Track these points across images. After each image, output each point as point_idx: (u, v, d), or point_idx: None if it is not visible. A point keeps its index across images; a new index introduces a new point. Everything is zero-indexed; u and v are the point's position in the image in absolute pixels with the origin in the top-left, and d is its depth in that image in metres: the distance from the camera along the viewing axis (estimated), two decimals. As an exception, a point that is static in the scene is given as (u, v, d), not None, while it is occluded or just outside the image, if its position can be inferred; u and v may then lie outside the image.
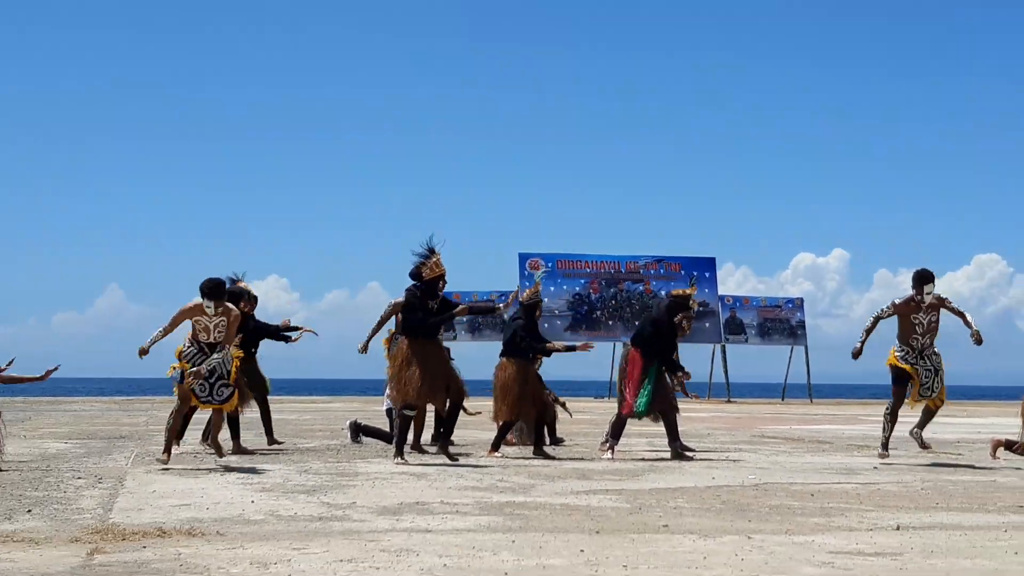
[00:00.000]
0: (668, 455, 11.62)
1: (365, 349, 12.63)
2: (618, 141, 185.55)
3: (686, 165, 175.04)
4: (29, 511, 7.11)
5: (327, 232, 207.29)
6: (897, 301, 11.14)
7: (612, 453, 11.52)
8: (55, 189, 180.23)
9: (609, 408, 13.86)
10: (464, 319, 34.07)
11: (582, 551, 5.71)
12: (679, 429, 11.75)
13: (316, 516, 6.96)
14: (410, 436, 11.26)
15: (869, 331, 11.21)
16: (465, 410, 11.35)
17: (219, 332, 10.25)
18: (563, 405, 13.38)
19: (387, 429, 12.84)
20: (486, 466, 10.53)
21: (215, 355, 10.18)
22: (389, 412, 12.88)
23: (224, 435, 11.16)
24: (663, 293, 35.52)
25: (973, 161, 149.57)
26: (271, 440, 12.66)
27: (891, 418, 11.22)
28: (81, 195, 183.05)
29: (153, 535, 6.13)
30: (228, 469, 10.03)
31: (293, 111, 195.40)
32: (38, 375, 10.41)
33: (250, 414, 13.09)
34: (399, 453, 10.64)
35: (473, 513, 7.17)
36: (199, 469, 10.01)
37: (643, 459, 11.55)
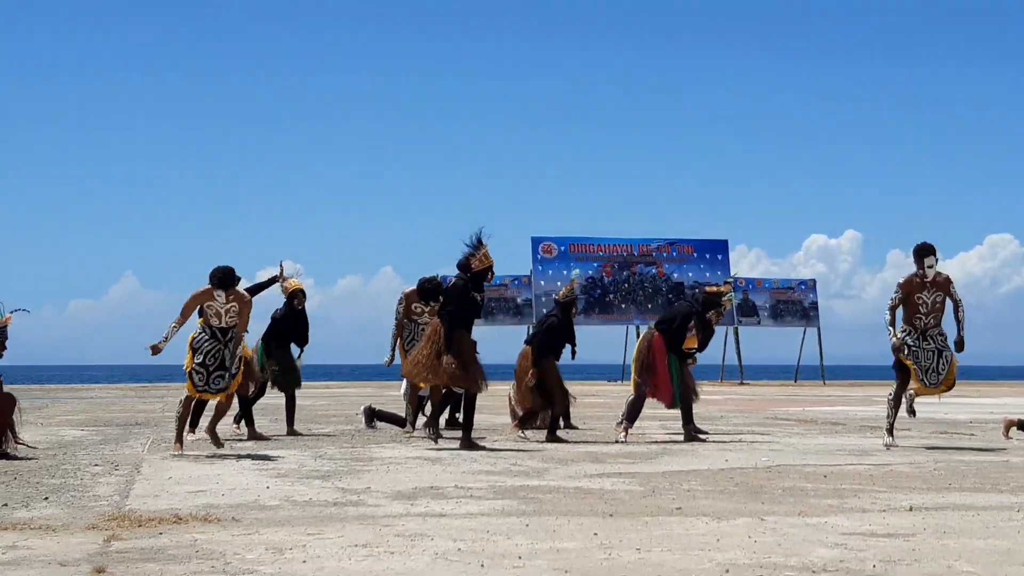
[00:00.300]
0: (681, 438, 11.64)
1: (391, 360, 12.69)
2: (630, 124, 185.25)
3: (698, 147, 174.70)
4: (46, 498, 7.15)
5: (340, 218, 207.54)
6: (901, 280, 10.90)
7: (626, 436, 11.54)
8: (71, 178, 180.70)
9: (622, 391, 13.88)
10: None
11: (596, 534, 5.73)
12: (693, 412, 11.81)
13: (331, 501, 6.99)
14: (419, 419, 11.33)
15: (891, 322, 10.91)
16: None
17: (231, 317, 10.21)
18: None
19: (402, 415, 12.87)
20: (499, 450, 10.55)
21: (227, 351, 10.12)
22: (406, 395, 12.94)
23: (225, 424, 11.20)
24: (675, 276, 35.57)
25: (986, 141, 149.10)
26: (291, 430, 12.66)
27: (894, 403, 10.98)
28: (97, 184, 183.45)
29: (169, 521, 6.16)
30: (243, 455, 10.07)
31: (306, 99, 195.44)
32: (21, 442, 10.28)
33: (268, 400, 13.15)
34: (435, 431, 10.87)
35: (487, 497, 7.19)
36: (214, 455, 10.04)
37: (656, 442, 11.56)
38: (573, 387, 12.91)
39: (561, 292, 12.33)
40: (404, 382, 12.76)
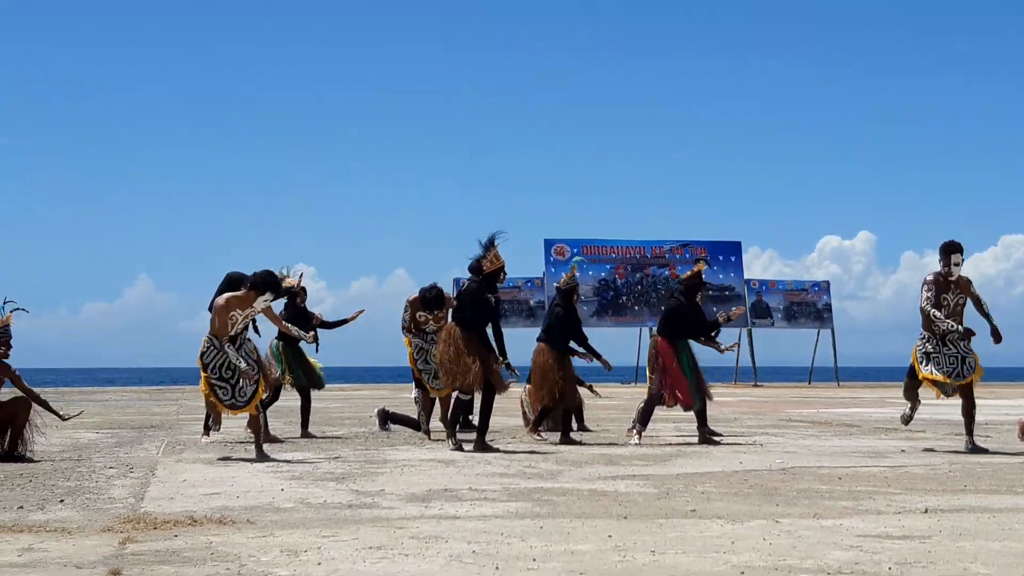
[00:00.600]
0: (695, 440, 11.64)
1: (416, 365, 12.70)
2: (643, 126, 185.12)
3: (711, 149, 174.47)
4: (61, 501, 7.17)
5: (354, 221, 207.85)
6: (928, 278, 10.54)
7: (639, 438, 11.54)
8: (85, 181, 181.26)
9: (636, 393, 13.85)
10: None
11: (610, 537, 5.73)
12: (707, 414, 11.81)
13: (345, 503, 7.00)
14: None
15: (941, 318, 10.41)
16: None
17: (243, 325, 10.05)
18: (590, 388, 13.42)
19: (415, 417, 12.89)
20: (514, 452, 10.56)
21: (239, 356, 9.86)
22: (417, 400, 12.96)
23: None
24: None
25: (1000, 142, 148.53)
26: (305, 433, 12.68)
27: (911, 395, 10.92)
28: (111, 186, 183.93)
29: (184, 524, 6.18)
30: (258, 458, 10.08)
31: (321, 102, 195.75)
32: (59, 413, 10.30)
33: (284, 402, 13.18)
34: (453, 438, 10.78)
35: (501, 499, 7.20)
36: (229, 458, 10.07)
37: (670, 444, 11.56)
38: (586, 389, 12.86)
39: (562, 280, 12.35)
40: (414, 385, 12.81)
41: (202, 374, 9.94)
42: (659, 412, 12.12)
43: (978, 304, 10.65)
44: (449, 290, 12.69)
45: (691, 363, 11.63)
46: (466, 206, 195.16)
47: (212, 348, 9.95)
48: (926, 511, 6.68)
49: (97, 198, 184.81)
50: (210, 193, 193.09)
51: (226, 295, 10.03)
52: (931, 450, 10.81)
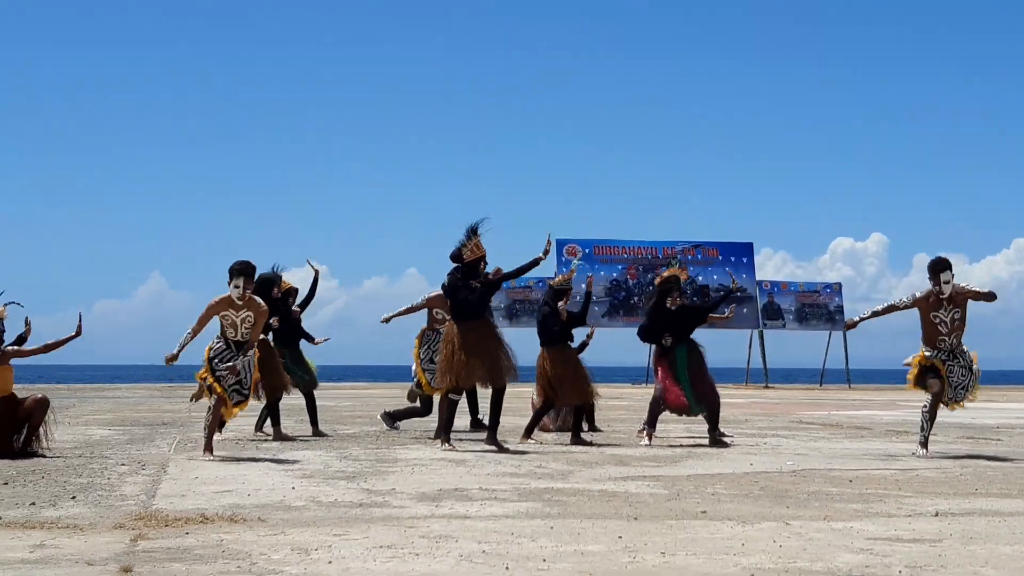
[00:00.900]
0: (706, 441, 11.62)
1: (388, 320, 12.73)
2: (657, 126, 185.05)
3: (724, 150, 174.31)
4: (73, 498, 7.20)
5: (366, 220, 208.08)
6: (917, 294, 10.37)
7: (649, 440, 11.54)
8: (98, 178, 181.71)
9: (645, 394, 13.85)
10: (503, 304, 34.12)
11: (620, 537, 5.73)
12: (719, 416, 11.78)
13: (356, 502, 7.02)
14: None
15: (878, 314, 10.51)
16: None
17: (246, 329, 9.99)
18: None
19: (416, 405, 13.12)
20: (524, 452, 10.56)
21: (242, 358, 9.90)
22: (411, 395, 13.10)
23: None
24: (700, 279, 35.50)
25: (1014, 145, 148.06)
26: (316, 431, 12.69)
27: (930, 415, 10.51)
28: (124, 184, 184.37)
29: (196, 521, 6.19)
30: (269, 456, 10.10)
31: (333, 100, 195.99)
32: (71, 334, 10.36)
33: (292, 401, 13.20)
34: (446, 439, 10.73)
35: (511, 499, 7.20)
36: (240, 456, 10.09)
37: (681, 445, 11.55)
38: (597, 389, 12.86)
39: (558, 279, 12.32)
40: (413, 382, 12.89)
41: (204, 364, 10.00)
42: (671, 414, 12.08)
43: (979, 296, 10.42)
44: None
45: (691, 368, 11.54)
46: (478, 206, 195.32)
47: (221, 345, 10.01)
48: (937, 514, 6.67)
49: (110, 196, 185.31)
50: (223, 192, 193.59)
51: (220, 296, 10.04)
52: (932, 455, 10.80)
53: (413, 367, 12.73)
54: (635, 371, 45.20)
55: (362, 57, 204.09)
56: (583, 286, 12.82)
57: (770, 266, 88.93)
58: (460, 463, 9.51)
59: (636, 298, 35.37)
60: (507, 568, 4.94)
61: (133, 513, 6.50)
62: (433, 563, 5.06)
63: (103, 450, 10.57)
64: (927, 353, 10.49)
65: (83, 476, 8.41)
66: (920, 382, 10.57)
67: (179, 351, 9.92)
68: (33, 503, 6.91)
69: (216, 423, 10.18)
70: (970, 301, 10.46)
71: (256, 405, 11.87)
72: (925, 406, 10.58)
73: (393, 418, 13.38)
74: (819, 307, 36.91)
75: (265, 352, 11.52)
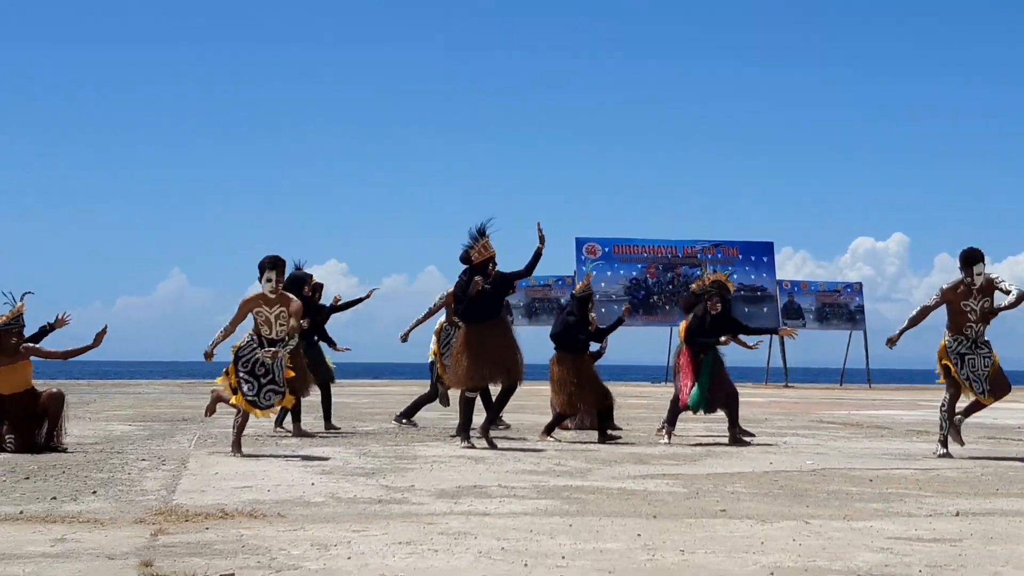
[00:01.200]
0: (726, 440, 11.61)
1: (406, 338, 12.76)
2: (675, 124, 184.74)
3: (744, 148, 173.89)
4: (94, 492, 7.23)
5: (385, 217, 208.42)
6: (945, 287, 10.33)
7: (669, 438, 11.53)
8: (119, 175, 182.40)
9: (666, 393, 13.84)
10: (522, 303, 34.12)
11: (639, 535, 5.73)
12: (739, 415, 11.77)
13: (375, 499, 7.03)
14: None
15: (915, 321, 10.40)
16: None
17: (280, 325, 9.97)
18: None
19: (421, 400, 13.29)
20: (543, 450, 10.56)
21: (271, 355, 9.80)
22: (442, 398, 13.13)
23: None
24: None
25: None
26: (328, 425, 12.79)
27: (948, 413, 10.43)
28: (145, 181, 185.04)
29: (215, 517, 6.22)
30: (289, 452, 10.13)
31: (353, 99, 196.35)
32: (90, 343, 10.38)
33: (311, 398, 13.22)
34: (465, 437, 10.73)
35: (531, 497, 7.20)
36: (260, 452, 10.12)
37: (700, 444, 11.53)
38: (616, 388, 12.84)
39: (578, 287, 12.29)
40: (432, 378, 12.96)
41: (230, 364, 9.98)
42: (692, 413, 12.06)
43: (1006, 295, 10.28)
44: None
45: (713, 373, 11.55)
46: (498, 204, 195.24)
47: (251, 343, 9.97)
48: (957, 514, 6.65)
49: (132, 194, 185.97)
50: (244, 189, 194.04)
51: (251, 292, 10.06)
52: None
53: (432, 362, 12.75)
54: (654, 370, 45.15)
55: (384, 56, 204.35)
56: (602, 284, 12.78)
57: (790, 265, 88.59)
58: (479, 460, 9.51)
59: (655, 297, 35.33)
60: (526, 565, 4.95)
61: (153, 508, 6.53)
62: (452, 559, 5.07)
63: (124, 445, 10.62)
64: (948, 342, 10.38)
65: (104, 471, 8.45)
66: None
67: (213, 347, 9.94)
68: (54, 497, 6.95)
69: (245, 422, 10.16)
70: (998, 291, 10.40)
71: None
72: (943, 405, 10.50)
73: (406, 416, 13.40)
74: (839, 307, 36.79)
75: (290, 352, 11.56)
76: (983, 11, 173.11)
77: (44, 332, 10.63)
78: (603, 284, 34.71)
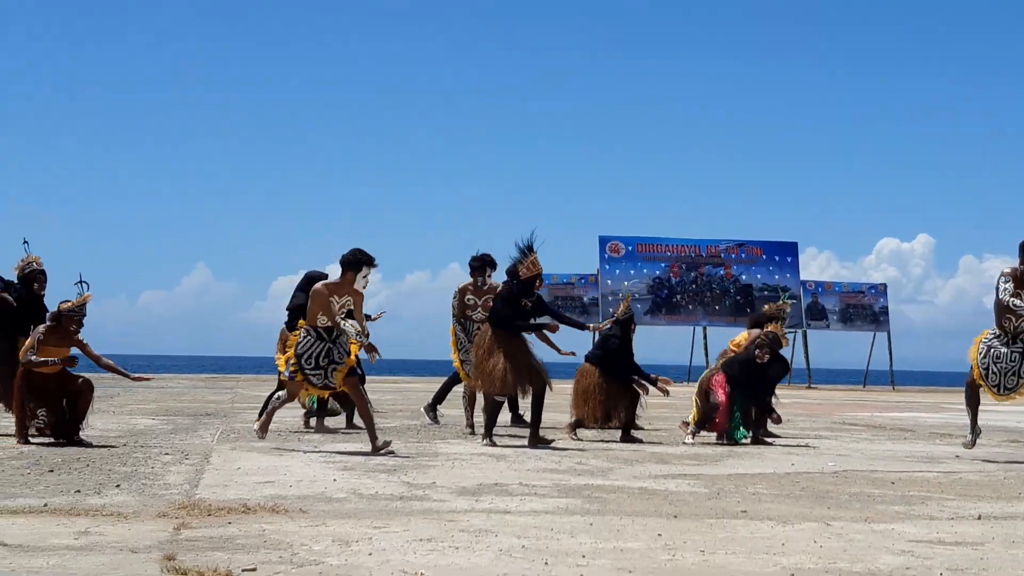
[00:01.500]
0: (747, 441, 11.58)
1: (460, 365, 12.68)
2: (699, 123, 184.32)
3: (768, 148, 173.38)
4: (118, 486, 7.27)
5: (409, 215, 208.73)
6: (1006, 270, 9.96)
7: (692, 438, 11.53)
8: (143, 171, 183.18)
9: (688, 391, 13.77)
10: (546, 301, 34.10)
11: (660, 535, 5.73)
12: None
13: (397, 495, 7.05)
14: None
15: (1021, 304, 9.84)
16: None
17: (341, 313, 9.95)
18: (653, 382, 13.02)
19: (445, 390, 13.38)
20: (564, 449, 10.57)
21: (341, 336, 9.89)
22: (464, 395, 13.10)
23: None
24: (743, 278, 35.35)
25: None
26: (350, 423, 12.83)
27: (971, 402, 10.35)
28: (170, 176, 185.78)
29: (238, 511, 6.25)
30: (311, 448, 10.16)
31: (377, 96, 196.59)
32: (128, 374, 10.37)
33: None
34: (487, 435, 10.74)
35: (551, 495, 7.21)
36: (283, 448, 10.15)
37: (722, 444, 11.51)
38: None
39: (619, 309, 12.25)
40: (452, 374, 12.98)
41: (291, 360, 9.96)
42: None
43: None
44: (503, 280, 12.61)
45: (742, 405, 11.63)
46: (521, 201, 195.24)
47: (308, 338, 9.96)
48: (980, 518, 6.63)
49: (157, 188, 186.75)
50: (267, 185, 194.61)
51: (322, 282, 10.05)
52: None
53: (452, 356, 12.78)
54: (677, 369, 45.08)
55: (404, 58, 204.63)
56: (625, 283, 12.79)
57: (815, 266, 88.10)
58: (500, 458, 9.53)
59: (679, 296, 35.24)
60: (546, 563, 4.96)
61: (176, 502, 6.57)
62: (473, 557, 5.08)
63: (147, 439, 10.67)
64: (987, 335, 10.19)
65: (127, 465, 8.50)
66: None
67: (349, 328, 9.94)
68: (78, 490, 6.99)
69: (280, 408, 10.30)
70: None
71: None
72: (966, 395, 10.47)
73: (434, 406, 13.45)
74: (864, 308, 36.60)
75: None
76: (1007, 12, 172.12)
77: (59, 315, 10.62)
78: (626, 283, 34.65)
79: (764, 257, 35.83)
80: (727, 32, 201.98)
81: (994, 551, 5.51)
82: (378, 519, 6.08)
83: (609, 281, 34.54)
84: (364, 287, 10.06)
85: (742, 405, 11.61)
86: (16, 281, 11.16)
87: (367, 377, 13.27)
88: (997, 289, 10.06)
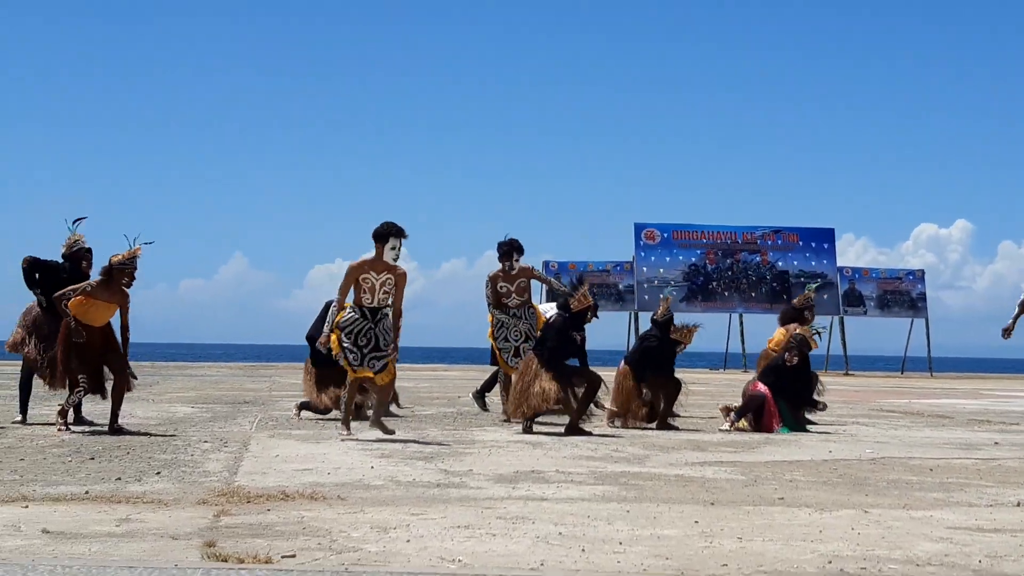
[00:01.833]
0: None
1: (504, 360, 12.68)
2: (735, 109, 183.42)
3: (805, 134, 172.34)
4: (158, 473, 7.34)
5: (444, 202, 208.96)
6: None
7: (731, 426, 11.51)
8: (183, 161, 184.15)
9: (724, 380, 13.69)
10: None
11: (696, 522, 5.74)
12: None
13: (434, 483, 7.08)
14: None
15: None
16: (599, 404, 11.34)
17: (384, 293, 9.91)
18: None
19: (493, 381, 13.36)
20: (600, 436, 10.57)
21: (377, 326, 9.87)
22: (500, 380, 13.13)
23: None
24: (779, 264, 35.20)
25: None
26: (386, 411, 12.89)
27: None
28: (209, 167, 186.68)
29: (277, 498, 6.29)
30: (348, 436, 10.21)
31: (411, 85, 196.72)
32: (130, 368, 10.29)
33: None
34: (527, 424, 10.77)
35: (588, 483, 7.22)
36: (320, 435, 10.21)
37: (759, 431, 11.48)
38: (676, 375, 12.78)
39: (659, 311, 12.26)
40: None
41: (333, 334, 9.96)
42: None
43: None
44: (539, 268, 12.67)
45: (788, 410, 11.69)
46: (558, 189, 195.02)
47: (352, 314, 9.95)
48: (1019, 504, 6.59)
49: (195, 177, 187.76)
50: (304, 175, 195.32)
51: (361, 258, 9.99)
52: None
53: (491, 345, 12.81)
54: (713, 356, 44.97)
55: (435, 48, 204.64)
56: (660, 270, 12.80)
57: (852, 252, 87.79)
58: (537, 445, 9.54)
59: (714, 283, 35.15)
60: (583, 550, 4.97)
61: (216, 489, 6.61)
62: (510, 544, 5.10)
63: (186, 427, 10.75)
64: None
65: (167, 452, 8.56)
66: None
67: (330, 333, 9.99)
68: (119, 478, 7.06)
69: (353, 399, 10.32)
70: None
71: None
72: None
73: (482, 394, 13.53)
74: (901, 294, 36.40)
75: None
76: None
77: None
78: (661, 270, 34.60)
79: (800, 243, 35.68)
80: (765, 19, 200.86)
81: (1033, 538, 5.47)
82: (415, 506, 6.11)
83: (644, 268, 34.49)
84: (394, 259, 9.95)
85: (789, 412, 11.63)
86: (63, 260, 11.21)
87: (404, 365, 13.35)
88: None
